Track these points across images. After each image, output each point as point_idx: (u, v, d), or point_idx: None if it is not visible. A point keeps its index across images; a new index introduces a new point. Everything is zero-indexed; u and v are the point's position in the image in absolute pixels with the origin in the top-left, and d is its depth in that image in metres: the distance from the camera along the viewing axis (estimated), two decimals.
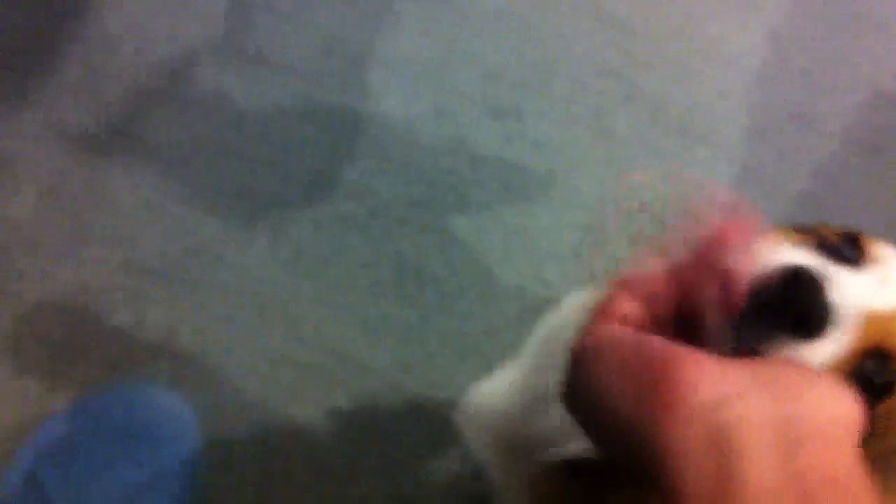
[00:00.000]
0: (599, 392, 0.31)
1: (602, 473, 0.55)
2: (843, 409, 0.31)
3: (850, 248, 0.43)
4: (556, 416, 0.61)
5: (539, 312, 0.86)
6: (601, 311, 0.36)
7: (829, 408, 0.30)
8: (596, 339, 0.34)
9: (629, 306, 0.36)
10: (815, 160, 1.09)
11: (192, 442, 0.81)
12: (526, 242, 1.01)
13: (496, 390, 0.80)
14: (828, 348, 0.37)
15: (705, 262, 0.37)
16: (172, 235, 0.95)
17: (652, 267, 0.39)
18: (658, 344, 0.32)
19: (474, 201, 1.01)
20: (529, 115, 1.06)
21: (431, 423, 0.93)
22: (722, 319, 0.36)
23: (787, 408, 0.29)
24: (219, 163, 0.98)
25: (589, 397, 0.32)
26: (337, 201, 0.97)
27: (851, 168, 1.10)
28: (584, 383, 0.33)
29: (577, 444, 0.57)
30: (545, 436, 0.62)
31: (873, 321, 0.39)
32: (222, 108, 1.00)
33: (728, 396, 0.29)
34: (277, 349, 0.92)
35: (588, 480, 0.58)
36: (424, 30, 1.07)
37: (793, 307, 0.36)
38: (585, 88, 1.09)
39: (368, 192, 0.98)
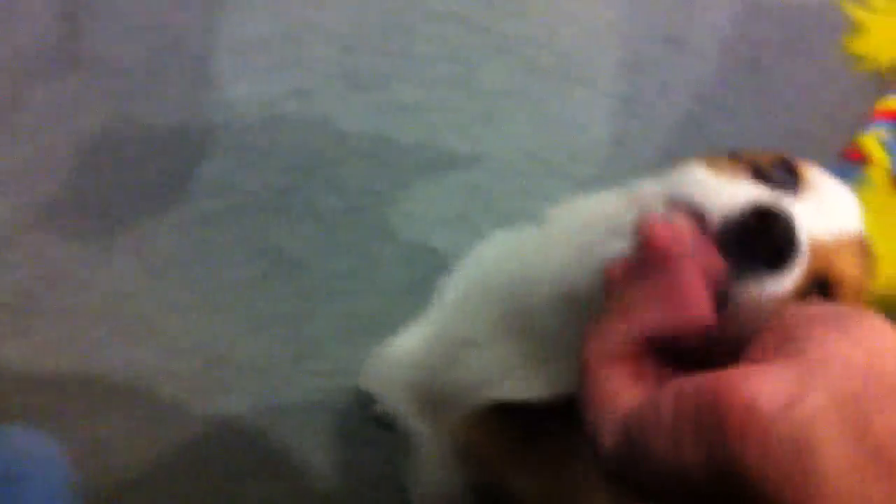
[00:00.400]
0: (664, 459, 0.29)
1: (533, 417, 0.54)
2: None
3: (786, 174, 0.42)
4: (478, 363, 0.59)
5: (430, 280, 0.82)
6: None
7: (883, 356, 0.28)
8: (629, 416, 0.32)
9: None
10: (696, 83, 1.06)
11: (61, 483, 0.74)
12: (408, 212, 0.96)
13: (411, 343, 0.78)
14: (789, 279, 0.37)
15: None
16: (23, 265, 0.87)
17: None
18: (692, 383, 0.29)
19: (347, 179, 0.96)
20: (395, 82, 1.01)
21: (331, 412, 0.88)
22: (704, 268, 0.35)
23: (846, 379, 0.27)
24: (64, 181, 0.91)
25: (653, 468, 0.30)
26: (197, 202, 0.91)
27: (733, 86, 1.07)
28: (642, 459, 0.30)
29: (501, 390, 0.56)
30: (467, 383, 0.59)
31: (815, 250, 0.38)
32: (61, 123, 0.93)
33: (790, 396, 0.27)
34: (155, 366, 0.86)
35: (519, 424, 0.56)
36: (271, 9, 1.00)
37: (767, 243, 0.36)
38: (451, 46, 1.04)
39: (229, 187, 0.92)
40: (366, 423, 0.88)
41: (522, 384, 0.55)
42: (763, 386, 0.27)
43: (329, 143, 0.96)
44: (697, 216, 0.38)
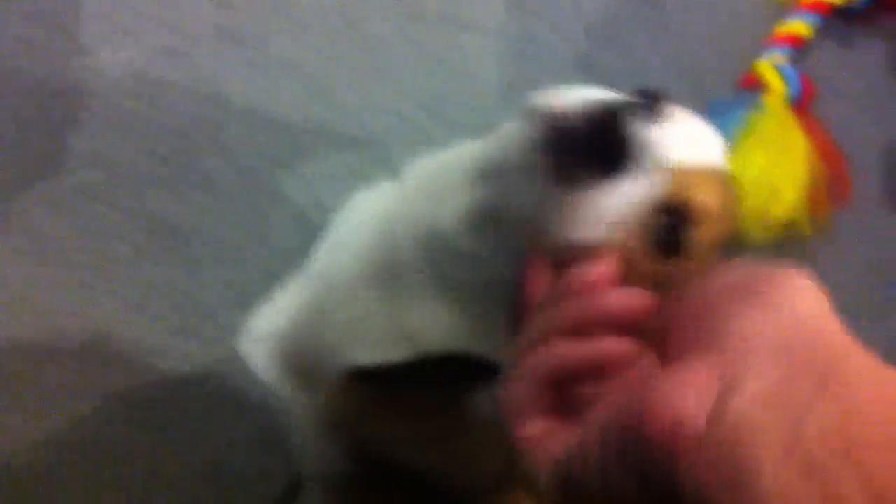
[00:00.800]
0: (599, 491, 0.28)
1: (392, 379, 0.54)
2: (816, 318, 0.27)
3: (646, 99, 0.42)
4: (340, 324, 0.57)
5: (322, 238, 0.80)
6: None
7: (805, 323, 0.27)
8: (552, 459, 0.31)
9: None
10: (588, 20, 1.04)
11: None
12: (297, 171, 0.93)
13: (281, 313, 0.76)
14: (631, 190, 0.36)
15: None
16: None
17: None
18: (613, 410, 0.28)
19: (231, 141, 0.93)
20: (275, 37, 0.97)
21: (228, 380, 0.86)
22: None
23: (770, 366, 0.26)
24: None
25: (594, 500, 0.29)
26: (71, 174, 0.87)
27: (627, 21, 1.05)
28: (579, 496, 0.29)
29: (363, 353, 0.55)
30: (330, 346, 0.59)
31: (674, 176, 0.38)
32: None
33: (715, 404, 0.25)
34: (34, 349, 0.83)
35: (385, 385, 0.56)
36: None
37: (596, 141, 0.35)
38: None
39: (106, 156, 0.88)
40: (264, 390, 0.86)
41: (384, 346, 0.54)
42: (684, 399, 0.25)
43: (209, 104, 0.93)
44: (546, 120, 0.38)
